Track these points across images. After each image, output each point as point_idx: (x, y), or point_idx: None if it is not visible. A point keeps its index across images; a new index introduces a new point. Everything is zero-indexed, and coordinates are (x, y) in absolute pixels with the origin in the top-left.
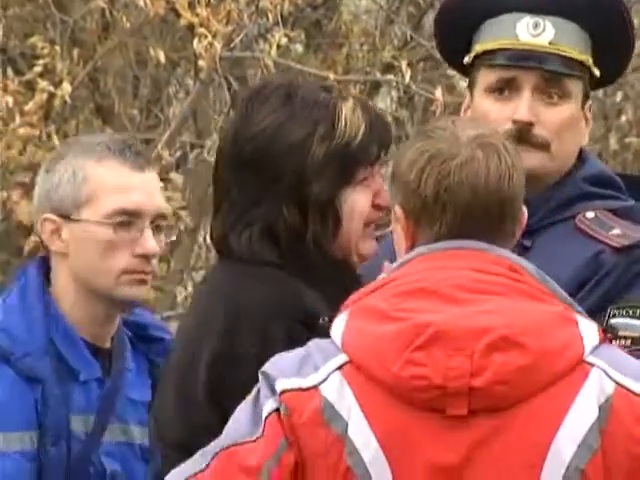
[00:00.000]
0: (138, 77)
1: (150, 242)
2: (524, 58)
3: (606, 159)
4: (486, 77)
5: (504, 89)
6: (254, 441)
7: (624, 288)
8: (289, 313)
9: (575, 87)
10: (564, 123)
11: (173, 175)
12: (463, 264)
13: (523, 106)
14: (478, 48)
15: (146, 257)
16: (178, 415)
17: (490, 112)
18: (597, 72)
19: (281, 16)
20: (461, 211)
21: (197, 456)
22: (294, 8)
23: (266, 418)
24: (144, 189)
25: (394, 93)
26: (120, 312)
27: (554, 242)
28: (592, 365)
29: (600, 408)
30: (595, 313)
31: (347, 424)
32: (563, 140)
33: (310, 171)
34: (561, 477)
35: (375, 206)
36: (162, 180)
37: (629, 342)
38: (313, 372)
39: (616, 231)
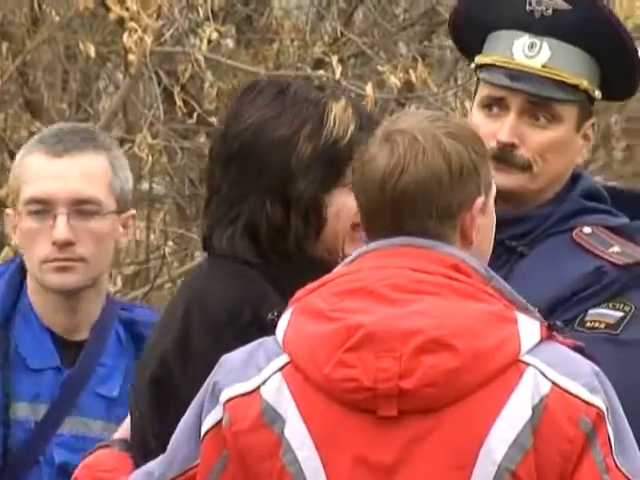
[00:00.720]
0: (68, 71)
1: (59, 229)
2: (514, 79)
3: None
4: (481, 91)
5: (493, 106)
6: (196, 466)
7: (611, 297)
8: (245, 316)
9: (566, 110)
10: (549, 146)
11: None
12: (403, 263)
13: (505, 127)
14: (477, 60)
15: (61, 244)
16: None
17: (480, 127)
18: (597, 94)
19: (212, 11)
20: (389, 208)
21: None
22: (225, 3)
23: (205, 435)
24: (56, 176)
25: None
26: (68, 302)
27: (550, 251)
28: (528, 365)
29: (534, 408)
30: (580, 314)
31: (284, 424)
32: (548, 162)
33: (295, 169)
34: (492, 478)
35: None
36: None
37: (603, 325)
38: (256, 374)
39: (616, 249)
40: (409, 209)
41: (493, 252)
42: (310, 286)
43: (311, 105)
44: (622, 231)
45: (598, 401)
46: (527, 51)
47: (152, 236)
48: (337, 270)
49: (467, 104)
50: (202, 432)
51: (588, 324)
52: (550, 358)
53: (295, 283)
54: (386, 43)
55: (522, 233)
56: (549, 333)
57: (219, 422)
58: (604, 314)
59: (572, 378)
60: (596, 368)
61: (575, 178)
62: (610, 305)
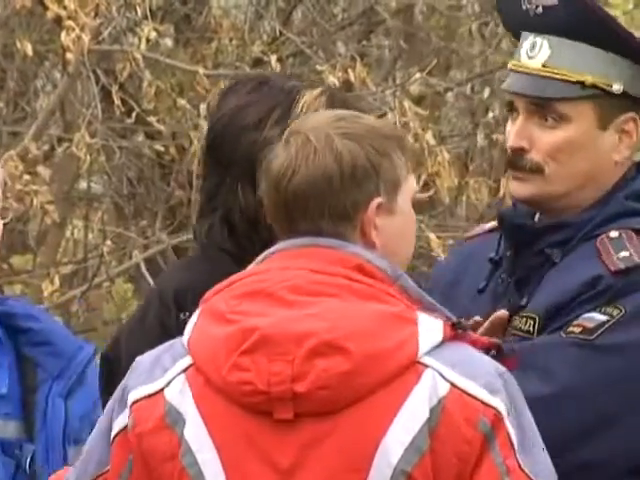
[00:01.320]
0: (5, 70)
1: None
2: (516, 81)
3: (472, 156)
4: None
5: (513, 112)
6: (107, 472)
7: (605, 302)
8: (188, 301)
9: (575, 109)
10: (559, 146)
11: (40, 169)
12: (303, 264)
13: (512, 132)
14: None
15: None
16: None
17: (507, 133)
18: (616, 87)
19: (150, 10)
20: (284, 209)
21: None
22: (163, 2)
23: (114, 439)
24: None
25: None
26: None
27: (575, 259)
28: (426, 366)
29: (432, 410)
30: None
31: (185, 426)
32: (561, 163)
33: (262, 154)
34: None
35: None
36: (29, 174)
37: (579, 330)
38: (161, 375)
39: (624, 253)
40: (301, 210)
41: (535, 262)
42: (218, 286)
43: (283, 93)
44: None
45: (497, 402)
46: (529, 51)
47: (90, 235)
48: (247, 269)
49: (405, 103)
50: (111, 436)
51: (569, 329)
52: (451, 359)
53: None
54: (325, 42)
55: (561, 241)
56: (455, 333)
57: (126, 425)
58: (590, 318)
59: (472, 379)
60: (501, 368)
61: (628, 180)
62: (602, 309)
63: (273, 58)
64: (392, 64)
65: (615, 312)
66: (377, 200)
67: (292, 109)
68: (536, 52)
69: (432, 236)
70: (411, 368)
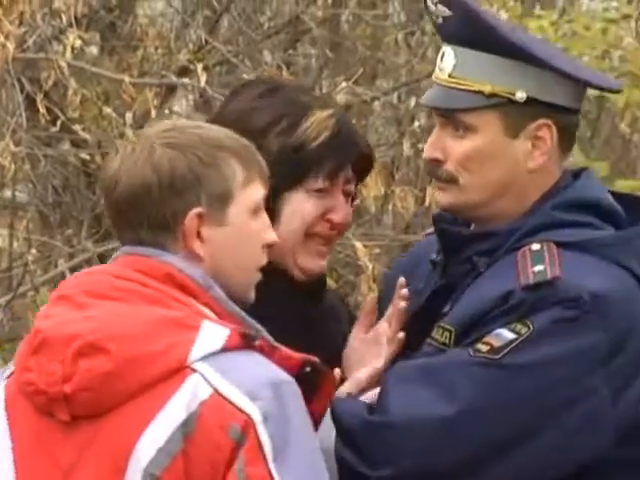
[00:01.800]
0: None
1: None
2: (430, 93)
3: (398, 165)
4: None
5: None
6: None
7: (515, 317)
8: None
9: (479, 118)
10: (468, 156)
11: None
12: (111, 269)
13: (427, 144)
14: None
15: None
16: None
17: None
18: (519, 96)
19: (75, 18)
20: (112, 218)
21: None
22: (88, 10)
23: None
24: None
25: (190, 97)
26: None
27: (495, 271)
28: (194, 371)
29: (190, 414)
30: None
31: None
32: (473, 172)
33: None
34: None
35: (326, 220)
36: None
37: (486, 349)
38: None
39: (539, 267)
40: (124, 219)
41: (462, 269)
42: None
43: (294, 105)
44: (579, 247)
45: (252, 408)
46: (440, 62)
47: (15, 244)
48: (77, 273)
49: None
50: None
51: (477, 345)
52: (224, 366)
53: None
54: (251, 51)
55: (488, 250)
56: (244, 342)
57: None
58: (497, 335)
59: (236, 385)
60: (280, 379)
61: (561, 190)
62: (511, 326)
63: (199, 67)
64: (318, 73)
65: (523, 330)
66: (196, 210)
67: (300, 124)
68: (444, 62)
69: (358, 245)
70: (178, 373)
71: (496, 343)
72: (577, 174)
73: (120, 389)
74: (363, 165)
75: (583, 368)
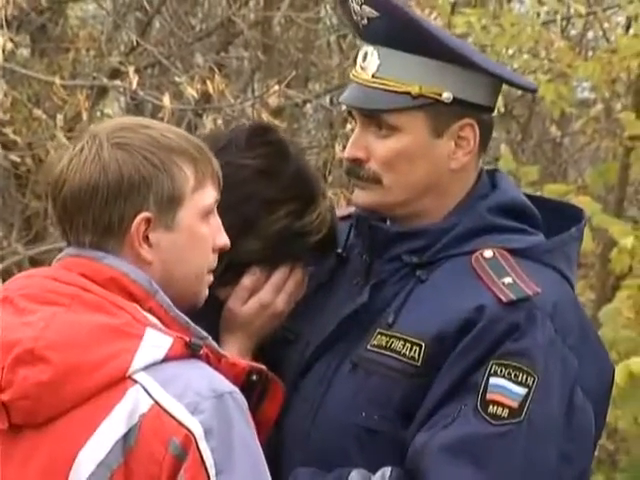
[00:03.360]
0: None
1: None
2: (351, 93)
3: (331, 168)
4: None
5: (353, 120)
6: None
7: (505, 341)
8: None
9: (403, 119)
10: (392, 156)
11: None
12: (51, 272)
13: (349, 143)
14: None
15: None
16: None
17: None
18: (446, 96)
19: (5, 20)
20: (57, 218)
21: None
22: (19, 12)
23: None
24: None
25: (122, 99)
26: None
27: (448, 278)
28: (136, 382)
29: (131, 428)
30: (477, 368)
31: None
32: (397, 172)
33: (261, 230)
34: None
35: None
36: None
37: (506, 413)
38: None
39: (508, 279)
40: (68, 220)
41: (391, 267)
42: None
43: (307, 188)
44: (526, 254)
45: (193, 422)
46: (362, 61)
47: None
48: (19, 275)
49: (264, 115)
50: None
51: (490, 408)
52: (166, 377)
53: None
54: (183, 53)
55: (418, 248)
56: (188, 351)
57: None
58: (504, 389)
59: (178, 398)
60: (224, 389)
61: (489, 190)
62: (510, 374)
63: (131, 69)
64: (251, 76)
65: (529, 380)
66: (143, 215)
67: (308, 212)
68: (367, 62)
69: None
70: (120, 383)
71: (510, 402)
72: (490, 173)
73: (60, 398)
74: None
75: (569, 397)
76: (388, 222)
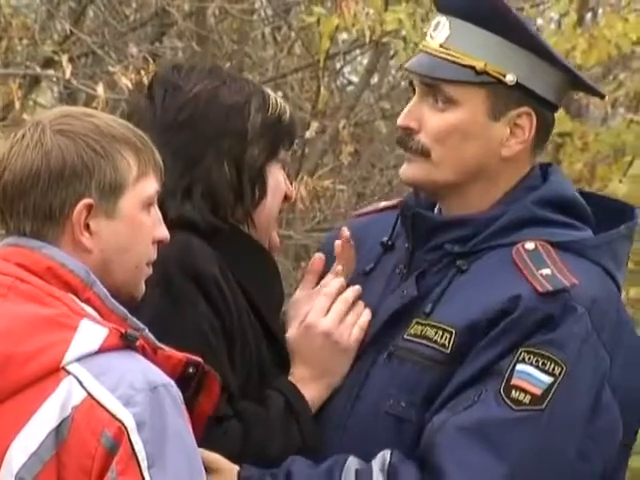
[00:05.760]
0: None
1: None
2: (416, 60)
3: None
4: None
5: (414, 90)
6: None
7: (538, 331)
8: (170, 269)
9: (464, 93)
10: (445, 130)
11: None
12: None
13: (403, 112)
14: None
15: None
16: None
17: None
18: (509, 78)
19: None
20: (2, 205)
21: None
22: None
23: None
24: None
25: (55, 88)
26: None
27: (488, 269)
28: (69, 373)
29: (63, 420)
30: (506, 355)
31: None
32: (447, 148)
33: (250, 135)
34: None
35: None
36: None
37: (528, 399)
38: None
39: (546, 271)
40: (8, 207)
41: (433, 256)
42: None
43: (249, 84)
44: (569, 248)
45: (126, 415)
46: (432, 31)
47: None
48: None
49: None
50: None
51: (513, 393)
52: (100, 368)
53: (234, 260)
54: (117, 43)
55: (462, 237)
56: (123, 342)
57: None
58: (530, 376)
59: (111, 390)
60: (158, 382)
61: (539, 182)
62: (538, 362)
63: (64, 58)
64: None
65: (557, 370)
66: (85, 201)
67: (268, 101)
68: (438, 32)
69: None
70: (53, 375)
71: (534, 389)
72: (544, 169)
73: None
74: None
75: (597, 393)
76: (436, 209)
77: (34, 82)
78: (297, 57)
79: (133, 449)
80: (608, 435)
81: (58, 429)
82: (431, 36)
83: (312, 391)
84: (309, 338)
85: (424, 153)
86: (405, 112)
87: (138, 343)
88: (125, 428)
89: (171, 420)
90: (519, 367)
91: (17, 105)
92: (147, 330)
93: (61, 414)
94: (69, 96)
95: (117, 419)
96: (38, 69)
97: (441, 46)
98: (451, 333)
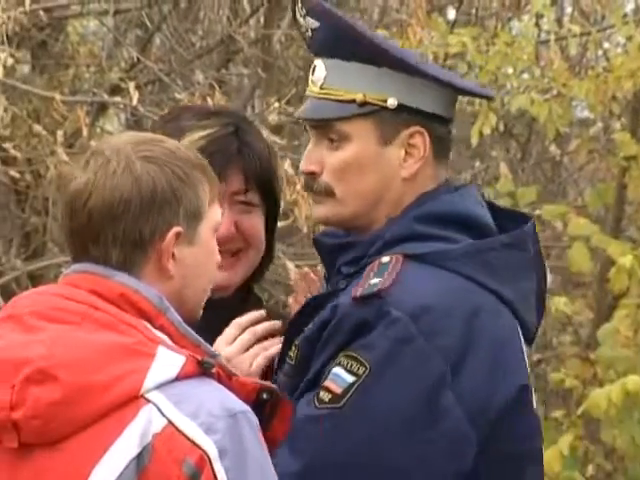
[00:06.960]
0: None
1: None
2: (303, 107)
3: None
4: None
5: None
6: None
7: (357, 336)
8: None
9: (352, 127)
10: (343, 166)
11: None
12: (60, 290)
13: (303, 157)
14: None
15: None
16: None
17: None
18: (391, 102)
19: (6, 35)
20: (77, 232)
21: None
22: (19, 28)
23: None
24: None
25: (122, 115)
26: None
27: (350, 286)
28: (148, 401)
29: (144, 447)
30: (329, 362)
31: None
32: (348, 183)
33: None
34: None
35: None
36: None
37: (328, 398)
38: None
39: (374, 280)
40: (93, 234)
41: (337, 279)
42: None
43: (177, 129)
44: (426, 259)
45: (207, 443)
46: (312, 75)
47: None
48: (27, 292)
49: (264, 132)
50: None
51: (321, 394)
52: (179, 396)
53: None
54: (183, 70)
55: (354, 259)
56: (200, 370)
57: None
58: (337, 377)
59: (192, 417)
60: (236, 409)
61: (427, 200)
62: (347, 364)
63: (131, 85)
64: (251, 93)
65: (360, 370)
66: (176, 229)
67: None
68: (316, 75)
69: (289, 264)
70: (132, 403)
71: (336, 389)
72: (458, 188)
73: (71, 418)
74: (257, 177)
75: (428, 397)
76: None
77: (101, 109)
78: None
79: (215, 477)
80: (450, 439)
81: (139, 457)
82: (312, 81)
83: None
84: None
85: (329, 193)
86: (304, 158)
87: (214, 370)
88: (207, 456)
89: (250, 447)
90: (334, 370)
91: (85, 132)
92: (221, 356)
93: (142, 442)
94: (136, 123)
95: (199, 447)
96: (105, 96)
97: (321, 88)
98: (298, 348)
